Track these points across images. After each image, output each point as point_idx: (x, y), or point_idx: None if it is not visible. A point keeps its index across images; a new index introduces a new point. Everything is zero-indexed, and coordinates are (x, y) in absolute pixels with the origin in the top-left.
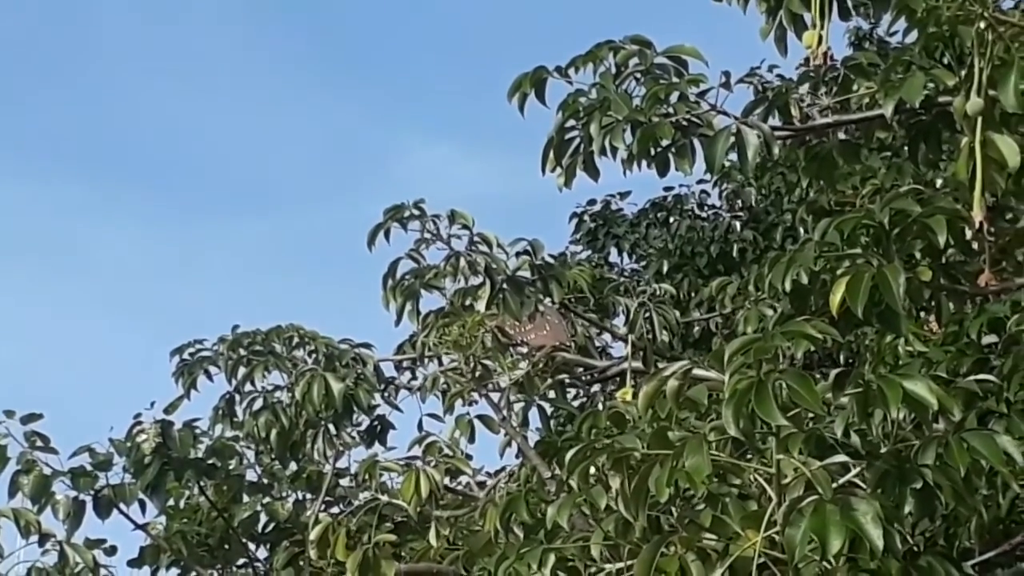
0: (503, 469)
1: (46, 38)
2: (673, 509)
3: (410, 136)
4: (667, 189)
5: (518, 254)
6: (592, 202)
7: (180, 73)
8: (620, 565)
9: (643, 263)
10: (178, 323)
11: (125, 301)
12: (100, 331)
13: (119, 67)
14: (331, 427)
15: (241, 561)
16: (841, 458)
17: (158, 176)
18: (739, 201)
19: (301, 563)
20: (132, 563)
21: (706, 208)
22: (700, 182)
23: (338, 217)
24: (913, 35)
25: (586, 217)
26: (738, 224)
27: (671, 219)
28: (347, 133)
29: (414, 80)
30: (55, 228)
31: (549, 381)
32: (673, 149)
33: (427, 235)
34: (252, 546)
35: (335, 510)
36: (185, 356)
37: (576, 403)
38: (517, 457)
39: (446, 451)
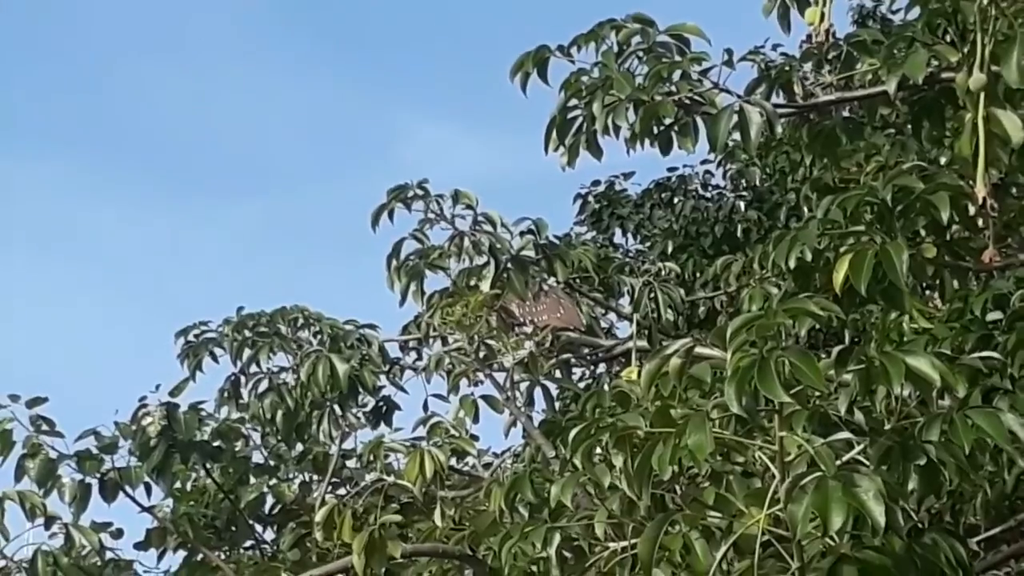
0: (508, 449)
1: (38, 17)
2: (677, 487)
3: (411, 115)
4: (671, 170)
5: (522, 234)
6: (596, 183)
7: (175, 52)
8: (624, 543)
9: (648, 244)
10: (178, 304)
11: (122, 283)
12: (97, 313)
13: (113, 46)
14: (336, 408)
15: (248, 543)
16: (845, 435)
17: (154, 156)
18: (743, 181)
19: (308, 544)
20: (139, 546)
21: (710, 188)
22: (704, 162)
23: (340, 197)
24: (916, 11)
25: (590, 198)
26: (742, 204)
27: (675, 199)
28: (347, 112)
29: (414, 58)
30: (48, 209)
31: (554, 361)
32: (676, 128)
33: (431, 215)
34: (259, 528)
35: (341, 491)
36: (190, 338)
37: (582, 383)
38: (523, 437)
39: (451, 431)
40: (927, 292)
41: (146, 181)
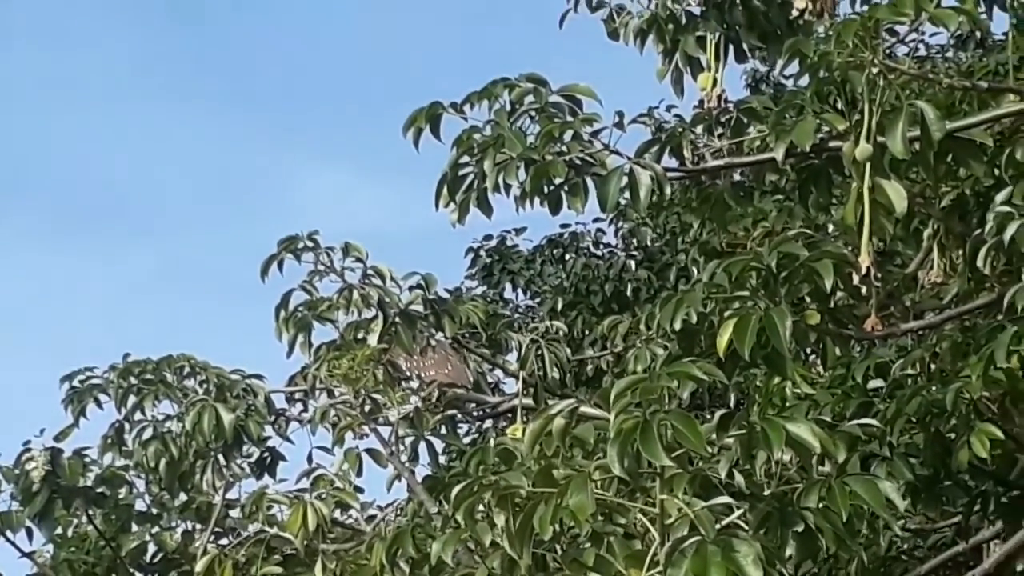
0: (391, 503)
1: None
2: (558, 547)
3: (306, 164)
4: (563, 226)
5: (411, 288)
6: (488, 237)
7: (67, 95)
8: None
9: (538, 300)
10: (66, 347)
11: (8, 324)
12: None
13: (4, 89)
14: (221, 458)
15: None
16: (725, 499)
17: (44, 199)
18: (634, 240)
19: None
20: None
21: (602, 246)
22: (596, 220)
23: (233, 242)
24: (806, 79)
25: (482, 252)
26: (633, 263)
27: (567, 256)
28: (241, 159)
29: (308, 107)
30: None
31: (439, 416)
32: (566, 187)
33: (321, 267)
34: None
35: (224, 541)
36: (75, 383)
37: (468, 438)
38: (407, 492)
39: (335, 484)
40: (810, 358)
41: (37, 223)
